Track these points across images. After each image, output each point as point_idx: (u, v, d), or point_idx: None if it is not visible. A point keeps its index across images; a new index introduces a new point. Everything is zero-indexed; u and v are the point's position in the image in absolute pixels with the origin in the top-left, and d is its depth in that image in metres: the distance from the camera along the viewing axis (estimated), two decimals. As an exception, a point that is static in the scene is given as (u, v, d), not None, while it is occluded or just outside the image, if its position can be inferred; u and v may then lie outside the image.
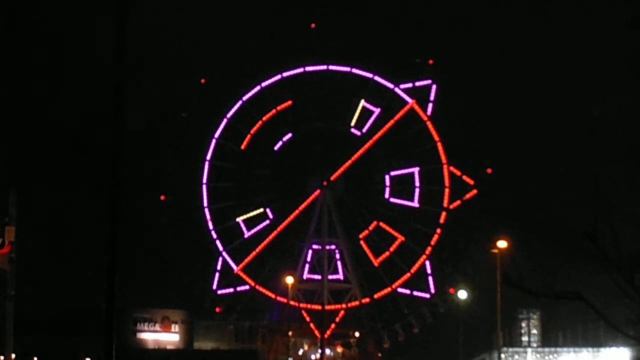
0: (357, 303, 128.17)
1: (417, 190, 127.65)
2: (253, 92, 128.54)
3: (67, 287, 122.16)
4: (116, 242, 20.37)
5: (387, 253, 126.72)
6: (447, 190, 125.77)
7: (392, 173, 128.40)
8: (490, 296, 72.17)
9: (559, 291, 45.81)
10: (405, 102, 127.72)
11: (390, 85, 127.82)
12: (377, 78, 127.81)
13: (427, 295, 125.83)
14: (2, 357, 64.28)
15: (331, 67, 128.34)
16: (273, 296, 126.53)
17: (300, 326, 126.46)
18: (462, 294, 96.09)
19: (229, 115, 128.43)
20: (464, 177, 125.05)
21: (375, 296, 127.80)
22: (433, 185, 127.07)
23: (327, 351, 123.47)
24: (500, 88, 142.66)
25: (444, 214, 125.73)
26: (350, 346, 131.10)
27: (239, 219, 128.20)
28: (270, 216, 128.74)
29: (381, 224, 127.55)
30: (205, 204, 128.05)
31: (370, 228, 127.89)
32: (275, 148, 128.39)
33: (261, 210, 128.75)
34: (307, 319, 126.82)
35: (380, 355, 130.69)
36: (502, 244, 67.56)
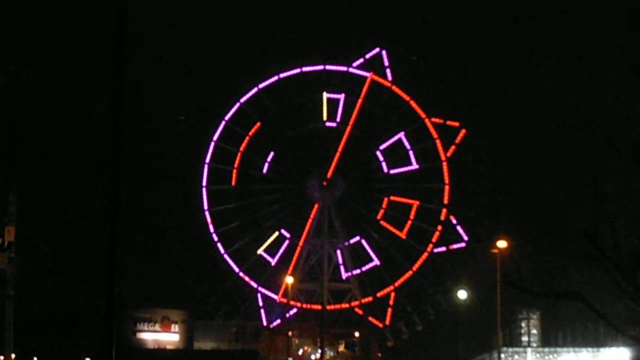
0: (358, 303, 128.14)
1: (410, 153, 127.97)
2: (250, 93, 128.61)
3: (67, 287, 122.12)
4: (116, 242, 20.37)
5: (410, 222, 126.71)
6: (438, 142, 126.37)
7: (381, 147, 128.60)
8: (490, 296, 72.19)
9: (559, 291, 45.87)
10: (365, 77, 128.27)
11: (344, 68, 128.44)
12: (328, 67, 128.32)
13: (463, 244, 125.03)
14: (2, 357, 64.29)
15: (281, 75, 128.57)
16: (275, 297, 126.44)
17: (300, 326, 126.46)
18: (462, 294, 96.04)
19: (227, 118, 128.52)
20: (448, 122, 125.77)
21: (378, 294, 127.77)
22: (423, 142, 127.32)
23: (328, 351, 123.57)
24: (500, 88, 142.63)
25: (444, 165, 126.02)
26: (354, 346, 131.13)
27: (260, 251, 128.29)
28: (287, 235, 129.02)
29: (392, 197, 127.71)
30: (206, 206, 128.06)
31: (384, 206, 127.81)
32: (264, 171, 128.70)
33: (277, 234, 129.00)
34: (311, 319, 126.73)
35: (380, 355, 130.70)
36: (502, 244, 67.56)
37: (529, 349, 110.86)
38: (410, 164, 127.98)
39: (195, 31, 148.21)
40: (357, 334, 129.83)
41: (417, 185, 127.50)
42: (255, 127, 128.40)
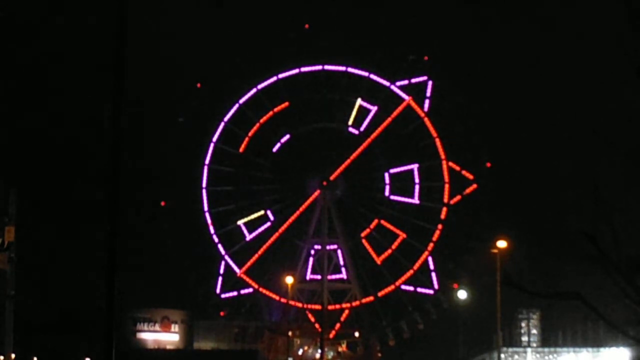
0: (359, 303, 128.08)
1: (417, 187, 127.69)
2: (249, 94, 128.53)
3: (67, 287, 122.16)
4: (116, 242, 20.38)
5: (390, 251, 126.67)
6: (446, 186, 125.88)
7: (392, 170, 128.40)
8: (490, 296, 72.17)
9: (559, 291, 45.86)
10: (402, 99, 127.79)
11: (386, 83, 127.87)
12: (372, 76, 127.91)
13: (431, 292, 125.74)
14: (2, 357, 64.26)
15: (326, 67, 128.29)
16: (277, 298, 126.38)
17: (301, 326, 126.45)
18: (462, 294, 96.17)
19: (226, 119, 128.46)
20: (464, 172, 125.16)
21: (379, 294, 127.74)
22: (433, 181, 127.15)
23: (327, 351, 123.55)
24: (499, 87, 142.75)
25: (444, 209, 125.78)
26: (355, 346, 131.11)
27: (240, 222, 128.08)
28: (272, 218, 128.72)
29: (382, 221, 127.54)
30: (206, 208, 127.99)
31: (372, 226, 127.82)
32: (274, 150, 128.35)
33: (262, 212, 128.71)
34: (312, 319, 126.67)
35: (380, 355, 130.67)
36: (502, 244, 67.54)
37: (529, 349, 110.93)
38: (412, 197, 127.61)
39: (195, 31, 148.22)
40: (357, 334, 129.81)
41: (410, 220, 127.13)
42: (283, 105, 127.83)
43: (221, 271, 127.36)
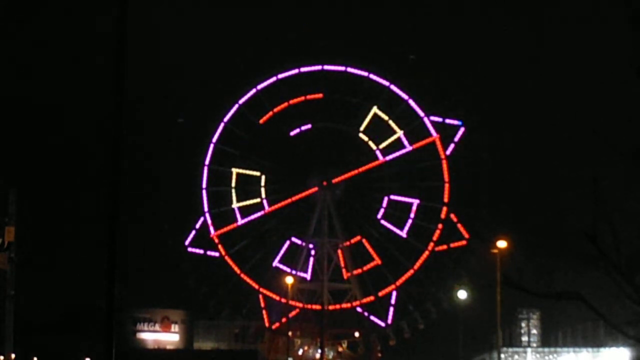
0: (359, 303, 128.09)
1: (409, 222, 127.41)
2: (249, 95, 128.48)
3: (67, 287, 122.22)
4: (116, 242, 20.38)
5: (410, 221, 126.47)
6: (437, 232, 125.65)
7: (392, 197, 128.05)
8: (490, 296, 72.13)
9: (558, 291, 45.85)
10: (430, 134, 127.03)
11: (421, 113, 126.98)
12: (372, 76, 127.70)
13: (464, 242, 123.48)
14: (2, 357, 64.28)
15: (326, 67, 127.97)
16: (277, 298, 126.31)
17: (301, 326, 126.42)
18: (462, 294, 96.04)
19: (225, 119, 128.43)
20: (459, 226, 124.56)
21: (380, 294, 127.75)
22: (427, 222, 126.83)
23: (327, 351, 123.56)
24: (499, 87, 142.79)
25: (426, 253, 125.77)
26: (356, 346, 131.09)
27: (235, 206, 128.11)
28: (266, 207, 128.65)
29: (392, 196, 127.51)
30: (206, 208, 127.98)
31: (384, 205, 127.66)
32: (292, 133, 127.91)
33: (257, 200, 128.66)
34: (312, 319, 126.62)
35: (380, 355, 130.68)
36: (502, 244, 67.50)
37: (529, 349, 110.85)
38: (402, 229, 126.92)
39: (194, 31, 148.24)
40: (357, 334, 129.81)
41: (416, 184, 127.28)
42: (316, 95, 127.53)
43: (197, 226, 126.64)
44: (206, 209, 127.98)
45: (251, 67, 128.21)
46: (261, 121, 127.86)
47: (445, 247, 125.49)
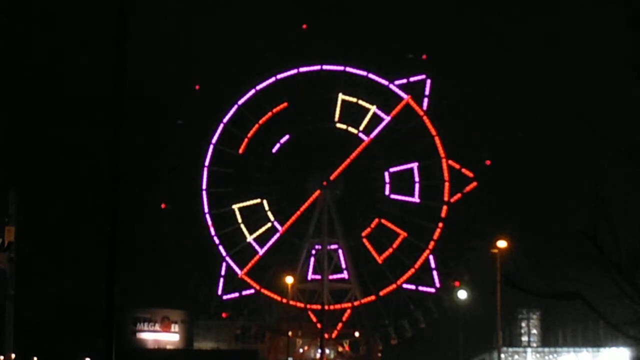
0: (359, 302, 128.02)
1: (417, 186, 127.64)
2: (248, 95, 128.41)
3: (67, 287, 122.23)
4: (116, 241, 20.39)
5: (390, 250, 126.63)
6: (447, 184, 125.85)
7: (391, 169, 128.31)
8: (490, 296, 72.12)
9: (559, 291, 45.79)
10: (401, 98, 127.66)
11: (385, 82, 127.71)
12: (371, 75, 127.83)
13: (433, 290, 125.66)
14: (2, 357, 64.28)
15: (325, 67, 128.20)
16: (278, 298, 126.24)
17: (301, 326, 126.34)
18: (462, 294, 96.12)
19: (225, 120, 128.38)
20: (463, 170, 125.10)
21: (381, 293, 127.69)
22: (433, 179, 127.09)
23: (327, 351, 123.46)
24: (499, 87, 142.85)
25: (445, 207, 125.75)
26: (358, 345, 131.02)
27: (250, 240, 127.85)
28: (280, 228, 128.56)
29: (383, 220, 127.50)
30: (206, 209, 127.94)
31: (372, 225, 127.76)
32: (273, 150, 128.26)
33: (269, 225, 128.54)
34: (314, 319, 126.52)
35: (380, 355, 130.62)
36: (502, 244, 67.46)
37: (529, 349, 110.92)
38: (413, 195, 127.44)
39: (194, 32, 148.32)
40: (357, 334, 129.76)
41: (411, 218, 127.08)
42: (281, 106, 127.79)
43: (222, 273, 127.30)
44: (206, 210, 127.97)
45: (250, 68, 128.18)
46: (240, 151, 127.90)
47: (413, 287, 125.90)
